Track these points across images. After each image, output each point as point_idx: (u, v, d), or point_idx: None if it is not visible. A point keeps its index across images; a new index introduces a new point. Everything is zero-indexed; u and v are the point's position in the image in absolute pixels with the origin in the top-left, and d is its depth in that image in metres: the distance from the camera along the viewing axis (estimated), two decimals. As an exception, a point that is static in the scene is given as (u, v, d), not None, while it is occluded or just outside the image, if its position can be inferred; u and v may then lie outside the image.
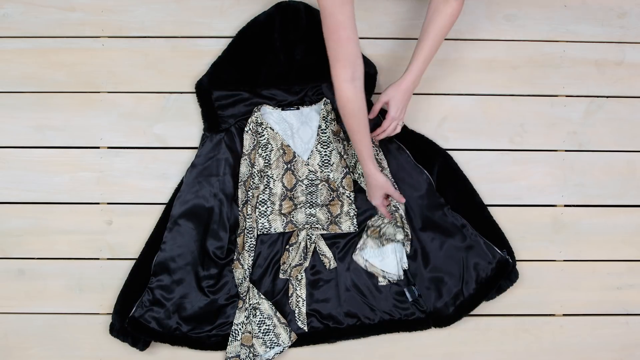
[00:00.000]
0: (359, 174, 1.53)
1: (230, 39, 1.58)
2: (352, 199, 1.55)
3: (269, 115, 1.55)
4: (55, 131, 1.60)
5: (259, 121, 1.54)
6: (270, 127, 1.54)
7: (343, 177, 1.55)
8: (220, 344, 1.52)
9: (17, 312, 1.58)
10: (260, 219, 1.54)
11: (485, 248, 1.52)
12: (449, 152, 1.59)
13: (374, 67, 1.56)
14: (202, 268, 1.52)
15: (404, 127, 1.55)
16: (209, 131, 1.53)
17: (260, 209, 1.54)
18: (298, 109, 1.56)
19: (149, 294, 1.51)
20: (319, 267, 1.55)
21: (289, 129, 1.56)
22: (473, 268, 1.52)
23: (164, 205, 1.56)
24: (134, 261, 1.55)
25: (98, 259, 1.58)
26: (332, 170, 1.55)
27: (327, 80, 1.53)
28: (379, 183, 1.43)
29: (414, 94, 1.60)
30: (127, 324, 1.49)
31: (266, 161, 1.54)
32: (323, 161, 1.55)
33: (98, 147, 1.60)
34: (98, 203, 1.59)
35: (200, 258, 1.52)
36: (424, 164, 1.54)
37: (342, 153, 1.54)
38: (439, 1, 1.40)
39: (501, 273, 1.51)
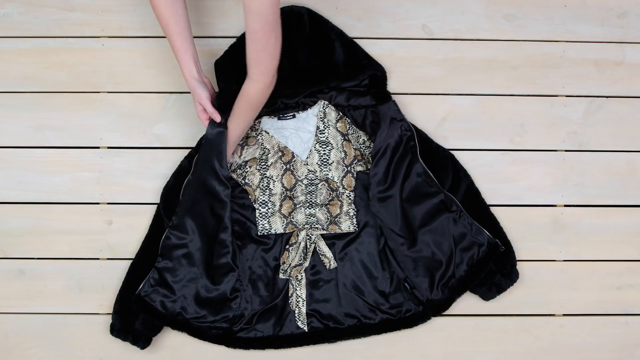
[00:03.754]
0: (358, 170, 1.54)
1: (232, 39, 1.58)
2: (352, 198, 1.55)
3: (265, 124, 1.55)
4: (55, 131, 1.60)
5: (255, 127, 1.55)
6: (266, 131, 1.55)
7: (343, 177, 1.55)
8: (220, 338, 1.51)
9: (17, 312, 1.58)
10: (260, 221, 1.54)
11: (476, 232, 1.52)
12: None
13: (381, 69, 1.56)
14: (212, 256, 1.51)
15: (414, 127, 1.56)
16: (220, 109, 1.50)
17: (261, 210, 1.54)
18: (294, 116, 1.55)
19: (156, 273, 1.50)
20: (319, 267, 1.55)
21: (286, 131, 1.56)
22: (464, 251, 1.52)
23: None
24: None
25: (98, 259, 1.58)
26: (330, 170, 1.55)
27: (331, 84, 1.53)
28: (193, 90, 1.45)
29: (414, 94, 1.61)
30: (132, 300, 1.49)
31: (263, 162, 1.54)
32: (322, 160, 1.55)
33: (98, 147, 1.60)
34: (98, 203, 1.59)
35: (211, 245, 1.51)
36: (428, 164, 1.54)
37: (344, 151, 1.54)
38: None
39: (492, 255, 1.51)
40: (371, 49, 1.59)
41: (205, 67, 1.57)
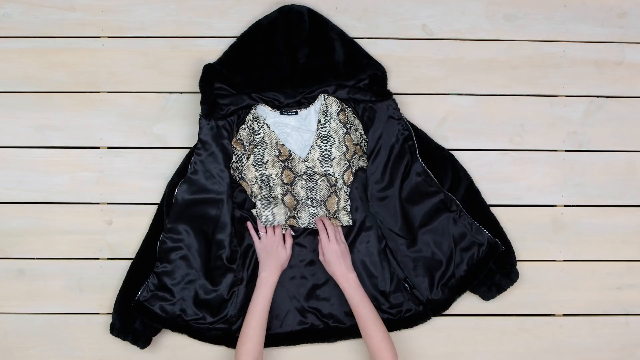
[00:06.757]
0: (357, 166, 1.54)
1: (231, 39, 1.58)
2: (348, 193, 1.55)
3: (267, 116, 1.55)
4: (55, 131, 1.60)
5: (255, 117, 1.54)
6: (268, 125, 1.55)
7: (344, 171, 1.55)
8: (219, 339, 1.51)
9: (17, 312, 1.58)
10: (263, 212, 1.54)
11: (476, 231, 1.52)
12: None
13: (381, 68, 1.55)
14: (209, 257, 1.51)
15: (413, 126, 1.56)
16: (206, 117, 1.51)
17: (262, 202, 1.54)
18: (297, 113, 1.55)
19: (154, 277, 1.51)
20: (319, 266, 1.55)
21: (287, 128, 1.55)
22: (464, 251, 1.52)
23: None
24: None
25: (98, 259, 1.58)
26: (332, 165, 1.55)
27: (331, 83, 1.53)
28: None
29: (414, 94, 1.61)
30: (132, 306, 1.50)
31: (259, 158, 1.54)
32: (323, 156, 1.55)
33: (98, 147, 1.60)
34: (98, 203, 1.59)
35: (208, 246, 1.51)
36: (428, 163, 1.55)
37: (346, 145, 1.54)
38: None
39: (492, 255, 1.51)
40: (371, 49, 1.59)
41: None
